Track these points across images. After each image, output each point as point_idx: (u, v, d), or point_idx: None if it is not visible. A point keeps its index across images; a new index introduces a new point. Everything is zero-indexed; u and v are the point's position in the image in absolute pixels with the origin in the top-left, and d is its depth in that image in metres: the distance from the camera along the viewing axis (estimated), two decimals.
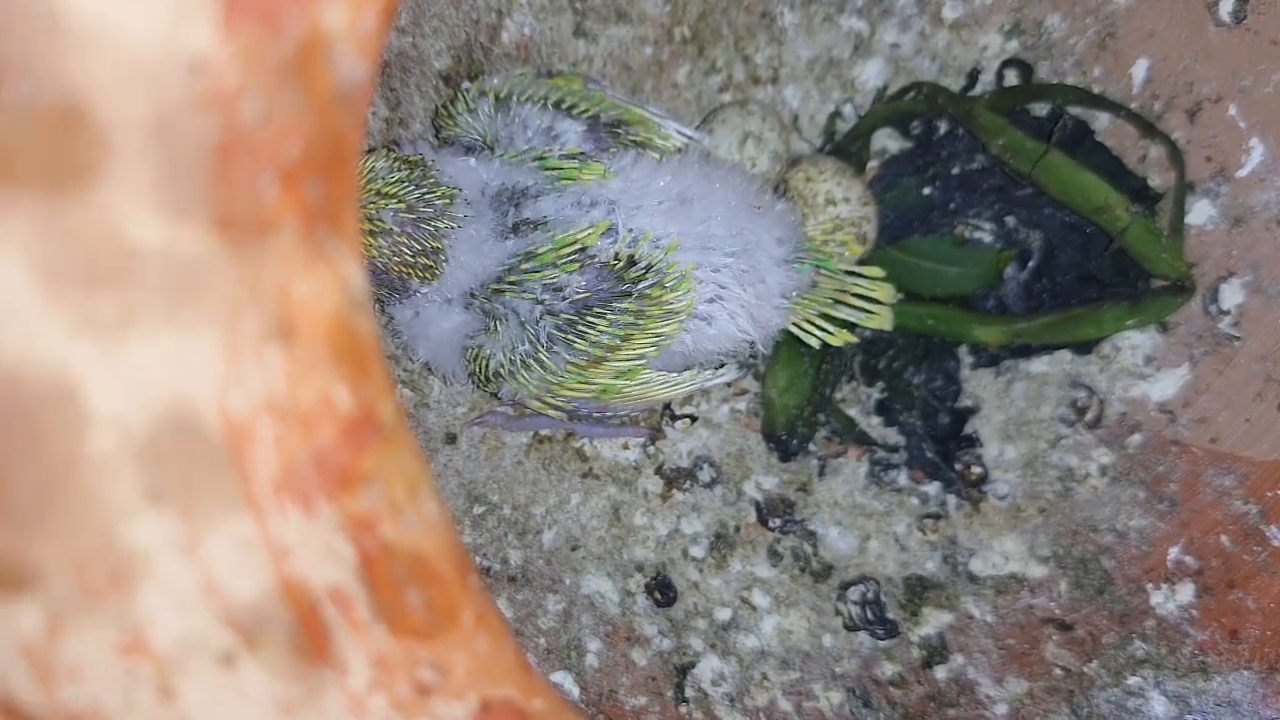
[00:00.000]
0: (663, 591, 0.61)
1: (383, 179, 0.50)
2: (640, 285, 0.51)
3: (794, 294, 0.55)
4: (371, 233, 0.50)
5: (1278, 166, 0.56)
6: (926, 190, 0.63)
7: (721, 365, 0.59)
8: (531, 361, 0.52)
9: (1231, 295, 0.58)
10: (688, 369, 0.57)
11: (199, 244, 0.25)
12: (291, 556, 0.26)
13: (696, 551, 0.62)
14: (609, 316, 0.51)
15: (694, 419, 0.63)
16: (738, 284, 0.53)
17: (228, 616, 0.26)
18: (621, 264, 0.51)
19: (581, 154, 0.53)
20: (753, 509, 0.62)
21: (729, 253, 0.53)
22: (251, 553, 0.26)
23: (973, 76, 0.62)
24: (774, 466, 0.63)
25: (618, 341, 0.52)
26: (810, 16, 0.62)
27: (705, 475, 0.62)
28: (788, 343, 0.62)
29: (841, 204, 0.59)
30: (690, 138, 0.58)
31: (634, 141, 0.54)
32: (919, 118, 0.63)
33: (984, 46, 0.62)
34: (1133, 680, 0.57)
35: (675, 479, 0.62)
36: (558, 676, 0.59)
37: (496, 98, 0.54)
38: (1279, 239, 0.57)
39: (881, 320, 0.58)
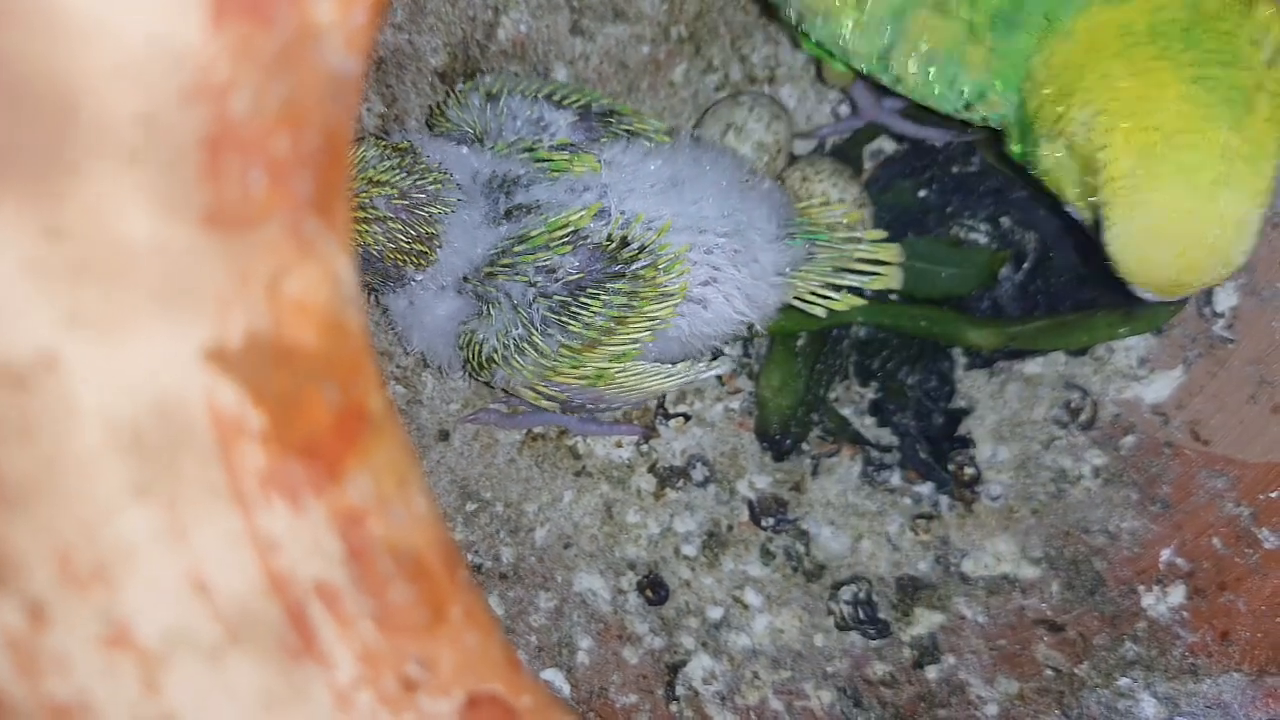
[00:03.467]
0: (654, 590, 0.61)
1: (374, 167, 0.50)
2: (634, 265, 0.51)
3: (789, 269, 0.55)
4: (365, 220, 0.50)
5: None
6: (922, 193, 0.63)
7: (716, 356, 0.59)
8: (525, 345, 0.52)
9: (1225, 298, 0.58)
10: (683, 360, 0.57)
11: (188, 237, 0.25)
12: (278, 551, 0.26)
13: (689, 550, 0.62)
14: (603, 297, 0.51)
15: (688, 418, 0.63)
16: (731, 264, 0.53)
17: (213, 611, 0.26)
18: (614, 245, 0.51)
19: (571, 145, 0.53)
20: (745, 508, 0.62)
21: (721, 233, 0.53)
22: (238, 547, 0.26)
23: None
24: (767, 466, 0.63)
25: (612, 324, 0.51)
26: None
27: (698, 474, 0.62)
28: (782, 341, 0.62)
29: (838, 205, 0.59)
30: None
31: (626, 131, 0.54)
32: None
33: None
34: (1123, 681, 0.57)
35: (668, 477, 0.62)
36: (548, 674, 0.59)
37: (488, 94, 0.54)
38: (1273, 242, 0.57)
39: (890, 280, 0.58)
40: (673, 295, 0.52)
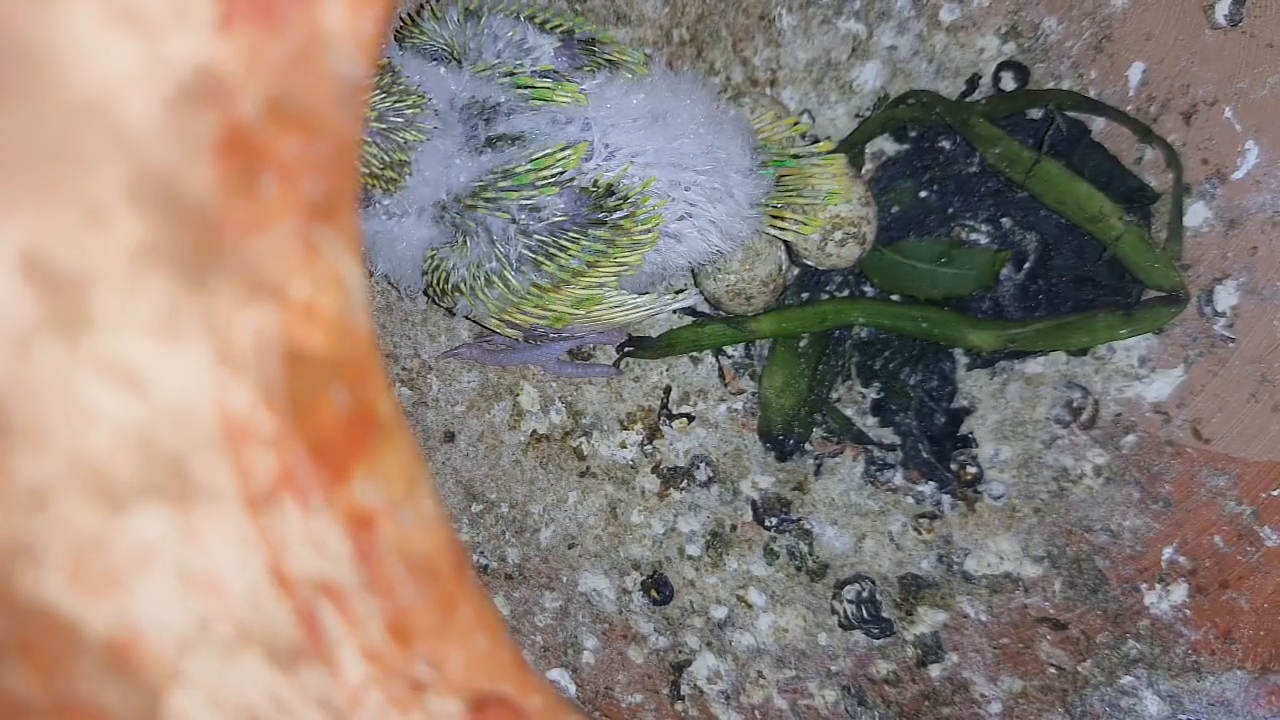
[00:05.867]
0: (659, 589, 0.61)
1: None
2: (615, 215, 0.51)
3: (762, 200, 0.55)
4: None
5: (1272, 169, 0.57)
6: (923, 194, 0.63)
7: (682, 290, 0.59)
8: (496, 279, 0.51)
9: (1226, 297, 0.58)
10: (649, 293, 0.56)
11: (196, 242, 0.25)
12: (287, 552, 0.27)
13: (693, 550, 0.62)
14: (583, 242, 0.51)
15: (691, 418, 0.63)
16: (708, 200, 0.53)
17: (223, 612, 0.26)
18: (600, 191, 0.51)
19: (554, 73, 0.52)
20: (749, 508, 0.62)
21: (701, 170, 0.53)
22: (247, 548, 0.26)
23: (973, 81, 0.62)
24: (770, 466, 0.63)
25: (584, 267, 0.51)
26: (808, 19, 0.63)
27: (702, 474, 0.63)
28: (785, 342, 0.62)
29: (842, 204, 0.59)
30: None
31: (608, 60, 0.53)
32: (916, 125, 0.63)
33: (981, 49, 0.62)
34: (1126, 679, 0.57)
35: (672, 478, 0.63)
36: (554, 674, 0.59)
37: (466, 9, 0.53)
38: (1273, 241, 0.57)
39: (841, 188, 0.57)
40: (644, 245, 0.52)
